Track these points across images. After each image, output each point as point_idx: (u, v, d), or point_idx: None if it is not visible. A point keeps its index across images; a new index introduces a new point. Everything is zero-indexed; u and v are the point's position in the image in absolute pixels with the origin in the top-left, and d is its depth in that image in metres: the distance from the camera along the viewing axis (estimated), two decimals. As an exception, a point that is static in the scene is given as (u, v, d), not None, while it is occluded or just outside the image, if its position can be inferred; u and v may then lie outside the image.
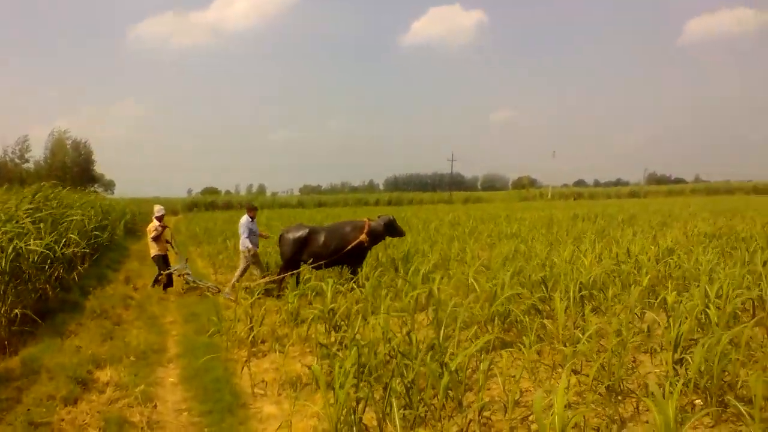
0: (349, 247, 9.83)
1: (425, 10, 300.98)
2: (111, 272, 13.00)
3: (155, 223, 10.59)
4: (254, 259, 10.72)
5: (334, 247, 9.90)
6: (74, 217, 11.66)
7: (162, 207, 10.87)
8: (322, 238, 9.98)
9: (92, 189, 48.62)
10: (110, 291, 10.49)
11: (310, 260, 9.73)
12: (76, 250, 10.52)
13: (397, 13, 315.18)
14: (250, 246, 10.60)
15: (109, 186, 72.12)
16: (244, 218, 10.86)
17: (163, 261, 10.85)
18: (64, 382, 5.63)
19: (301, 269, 9.59)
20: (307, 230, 10.11)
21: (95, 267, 12.62)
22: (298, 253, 9.94)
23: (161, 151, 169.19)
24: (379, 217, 10.55)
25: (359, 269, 9.66)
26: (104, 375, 6.08)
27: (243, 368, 6.28)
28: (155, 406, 5.41)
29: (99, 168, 67.94)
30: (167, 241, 11.12)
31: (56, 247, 9.06)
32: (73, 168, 60.68)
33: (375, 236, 10.13)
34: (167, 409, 5.40)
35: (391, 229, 10.31)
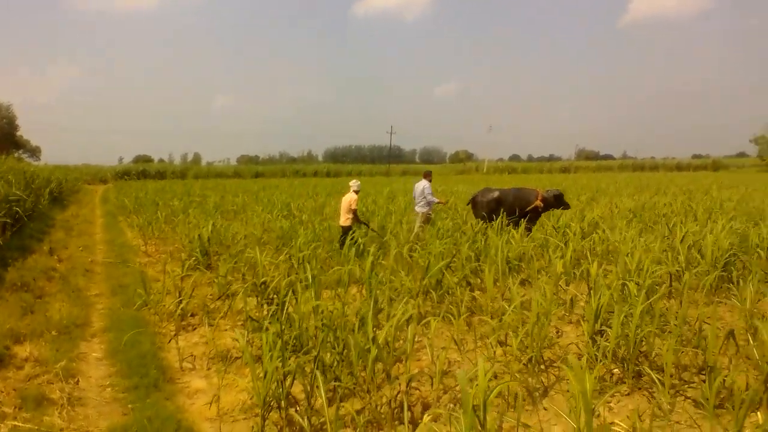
0: (529, 208, 11.36)
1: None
2: (34, 243, 12.39)
3: (353, 196, 10.79)
4: (427, 219, 12.09)
5: (519, 207, 11.38)
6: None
7: (359, 182, 11.29)
8: (510, 199, 11.55)
9: (15, 155, 46.18)
10: (32, 262, 10.01)
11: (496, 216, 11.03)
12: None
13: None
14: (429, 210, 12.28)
15: (35, 152, 68.68)
16: (426, 182, 12.16)
17: (351, 230, 10.69)
18: (-23, 358, 5.37)
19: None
20: (498, 192, 11.79)
21: (17, 237, 12.01)
22: (494, 212, 11.29)
23: (95, 116, 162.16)
24: (547, 190, 11.99)
25: (532, 227, 11.20)
26: (23, 350, 5.83)
27: (171, 342, 6.17)
28: (77, 382, 5.24)
29: (25, 133, 64.72)
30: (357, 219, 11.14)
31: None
32: (-7, 132, 57.51)
33: (547, 204, 11.55)
34: (90, 385, 5.25)
35: (560, 201, 11.73)
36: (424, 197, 12.19)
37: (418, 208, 12.38)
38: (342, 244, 9.34)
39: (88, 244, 13.40)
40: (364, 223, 11.15)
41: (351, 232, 10.31)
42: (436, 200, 12.44)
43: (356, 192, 10.91)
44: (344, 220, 10.79)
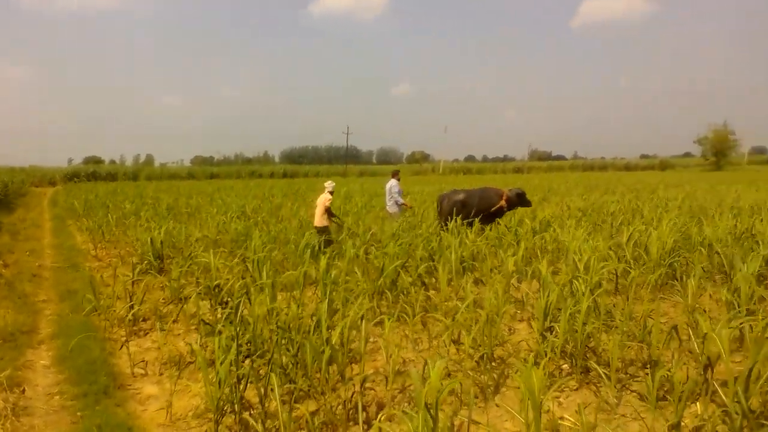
0: (493, 209, 11.55)
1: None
2: (-24, 248, 11.98)
3: (328, 196, 11.02)
4: (395, 219, 12.33)
5: (483, 208, 11.51)
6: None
7: (333, 183, 11.58)
8: (476, 200, 11.60)
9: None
10: (-26, 268, 9.69)
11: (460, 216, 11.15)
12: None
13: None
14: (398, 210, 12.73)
15: (-23, 154, 66.09)
16: (394, 182, 12.76)
17: (326, 231, 10.90)
18: None
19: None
20: (463, 194, 11.80)
21: (-43, 242, 11.59)
22: (457, 213, 11.25)
23: (42, 116, 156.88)
24: (510, 189, 12.07)
25: (489, 227, 11.11)
26: (-36, 361, 5.65)
27: (122, 348, 6.05)
28: (23, 391, 5.10)
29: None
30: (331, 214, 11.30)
31: None
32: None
33: (511, 203, 11.75)
34: (37, 394, 5.11)
35: (523, 199, 11.95)
36: (392, 197, 12.61)
37: (389, 208, 12.87)
38: (320, 245, 9.38)
39: (36, 249, 13.01)
40: (334, 215, 11.39)
41: (326, 231, 10.60)
42: (402, 202, 12.84)
43: (331, 193, 11.17)
44: (319, 220, 10.92)
